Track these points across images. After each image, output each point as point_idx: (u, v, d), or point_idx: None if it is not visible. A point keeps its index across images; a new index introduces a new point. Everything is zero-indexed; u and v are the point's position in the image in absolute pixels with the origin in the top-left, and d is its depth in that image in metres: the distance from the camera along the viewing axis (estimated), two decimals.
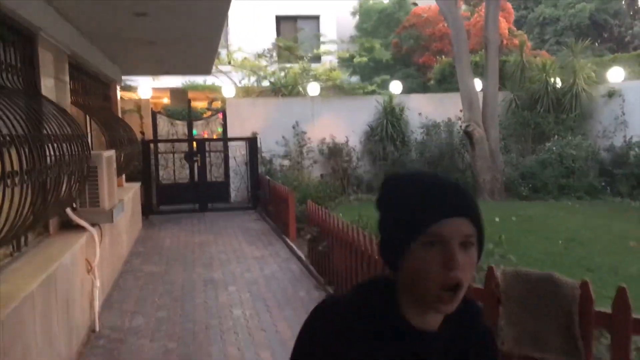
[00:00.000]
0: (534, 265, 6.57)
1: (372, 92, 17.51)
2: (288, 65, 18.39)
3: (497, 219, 9.93)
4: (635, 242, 8.66)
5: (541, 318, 3.71)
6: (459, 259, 1.13)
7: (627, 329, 3.38)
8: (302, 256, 8.37)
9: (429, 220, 1.14)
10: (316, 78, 17.31)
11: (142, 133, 13.50)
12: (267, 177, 12.68)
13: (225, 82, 17.37)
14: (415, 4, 23.46)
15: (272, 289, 7.10)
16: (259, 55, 18.27)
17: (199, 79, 18.24)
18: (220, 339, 5.38)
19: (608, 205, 12.29)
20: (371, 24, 23.66)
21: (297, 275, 7.75)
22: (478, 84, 14.32)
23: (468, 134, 13.67)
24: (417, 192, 1.19)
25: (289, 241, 9.55)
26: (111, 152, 6.34)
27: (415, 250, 1.15)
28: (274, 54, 19.07)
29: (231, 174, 14.43)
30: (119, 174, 7.50)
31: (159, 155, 13.86)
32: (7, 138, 3.05)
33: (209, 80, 17.88)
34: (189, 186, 13.84)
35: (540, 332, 3.72)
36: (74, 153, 4.36)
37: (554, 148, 13.71)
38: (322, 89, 16.01)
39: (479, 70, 15.29)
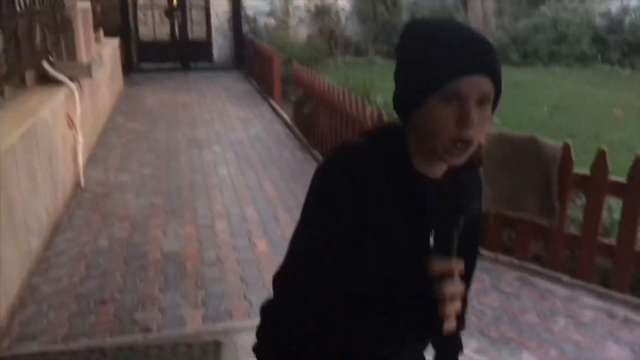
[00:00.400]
0: (517, 130, 6.60)
1: None
2: None
3: None
4: (620, 110, 8.70)
5: (520, 179, 3.78)
6: (474, 117, 1.11)
7: (603, 191, 3.46)
8: (287, 118, 8.33)
9: (450, 76, 1.10)
10: None
11: None
12: (251, 37, 12.27)
13: None
14: None
15: (257, 149, 7.13)
16: None
17: None
18: (206, 196, 5.47)
19: (597, 73, 12.20)
20: None
21: (282, 136, 7.76)
22: None
23: None
24: (441, 44, 1.12)
25: (273, 103, 9.45)
26: (86, 3, 6.01)
27: (431, 105, 1.13)
28: None
29: (214, 32, 13.93)
30: (96, 28, 7.18)
31: (138, 11, 13.25)
32: None
33: None
34: (169, 44, 13.40)
35: (518, 193, 3.81)
36: (45, 1, 4.11)
37: (549, 12, 13.31)
38: None
39: None
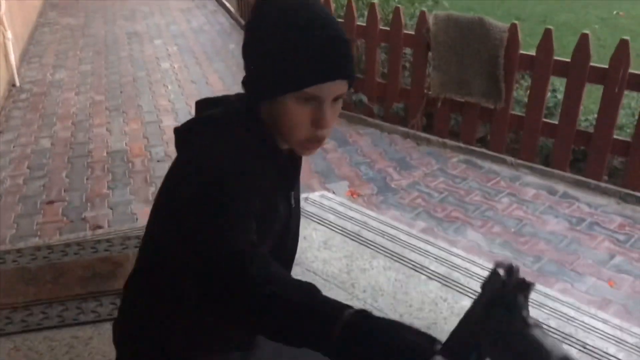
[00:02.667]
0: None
1: None
2: None
3: None
4: None
5: (468, 62, 3.77)
6: (330, 118, 1.11)
7: (548, 71, 3.49)
8: (231, 7, 7.97)
9: (312, 82, 1.06)
10: None
11: None
12: None
13: None
14: None
15: (201, 41, 6.85)
16: None
17: None
18: (150, 91, 5.29)
19: None
20: None
21: (226, 28, 7.46)
22: None
23: None
24: (303, 45, 1.06)
25: None
26: None
27: (287, 102, 1.09)
28: None
29: None
30: None
31: None
32: None
33: None
34: None
35: (466, 76, 3.81)
36: None
37: None
38: None
39: None
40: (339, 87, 1.10)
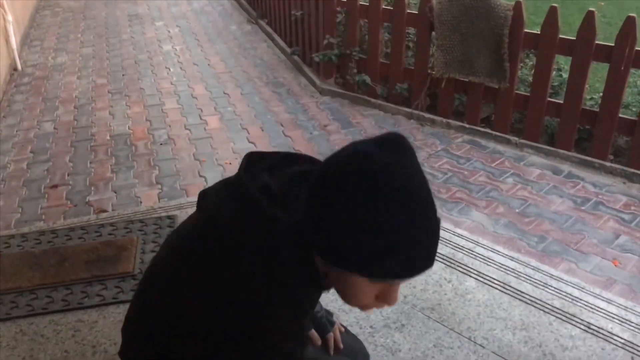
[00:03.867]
0: None
1: None
2: None
3: None
4: None
5: (472, 41, 3.73)
6: (396, 296, 1.05)
7: (553, 49, 3.45)
8: None
9: (399, 277, 0.99)
10: None
11: None
12: None
13: None
14: None
15: (202, 23, 6.80)
16: None
17: None
18: (152, 73, 5.26)
19: None
20: None
21: (228, 8, 7.39)
22: None
23: None
24: (404, 242, 0.94)
25: None
26: None
27: (360, 279, 1.00)
28: None
29: None
30: None
31: None
32: None
33: None
34: None
35: (470, 56, 3.77)
36: None
37: None
38: None
39: None
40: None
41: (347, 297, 1.07)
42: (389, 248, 0.94)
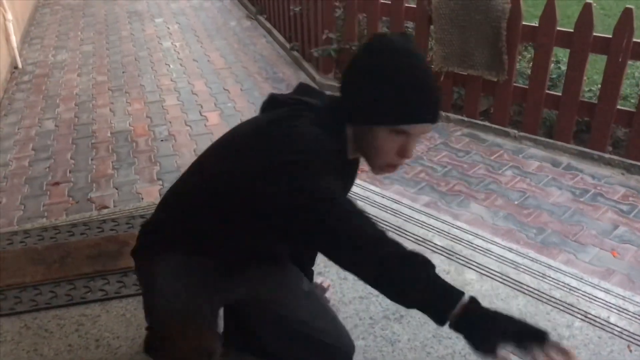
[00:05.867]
0: None
1: None
2: None
3: None
4: None
5: (470, 34, 3.74)
6: (413, 150, 1.32)
7: (551, 41, 3.46)
8: None
9: (411, 121, 1.27)
10: None
11: None
12: None
13: None
14: None
15: (201, 19, 6.81)
16: None
17: None
18: (152, 70, 5.28)
19: None
20: None
21: (227, 4, 7.40)
22: None
23: None
24: (417, 86, 1.26)
25: None
26: None
27: (381, 131, 1.29)
28: None
29: None
30: None
31: None
32: None
33: None
34: None
35: (468, 49, 3.78)
36: None
37: None
38: None
39: None
40: (428, 128, 1.32)
41: (374, 156, 1.35)
42: (402, 97, 1.24)
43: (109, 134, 4.08)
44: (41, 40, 6.27)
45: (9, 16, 5.30)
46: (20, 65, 5.41)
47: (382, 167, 1.36)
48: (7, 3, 5.32)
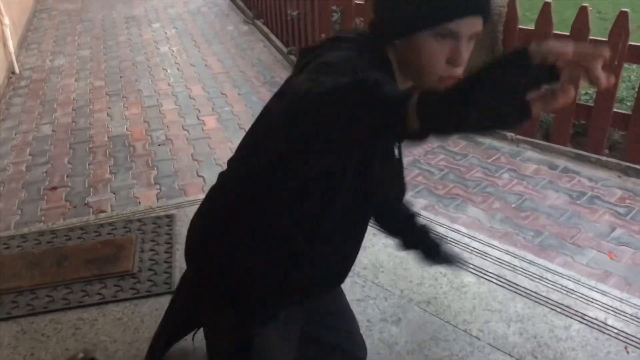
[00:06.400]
0: None
1: None
2: None
3: None
4: None
5: None
6: (466, 56, 1.11)
7: None
8: None
9: (452, 17, 1.08)
10: None
11: None
12: None
13: None
14: None
15: (199, 24, 6.83)
16: None
17: None
18: (149, 75, 5.29)
19: None
20: None
21: (224, 9, 7.42)
22: None
23: None
24: None
25: None
26: None
27: (423, 39, 1.10)
28: None
29: None
30: None
31: None
32: None
33: None
34: None
35: None
36: None
37: None
38: None
39: None
40: (477, 24, 1.11)
41: (424, 73, 1.14)
42: None
43: (106, 139, 4.08)
44: (38, 45, 6.27)
45: (6, 21, 5.31)
46: (17, 70, 5.41)
47: (434, 83, 1.15)
48: (4, 8, 5.33)
